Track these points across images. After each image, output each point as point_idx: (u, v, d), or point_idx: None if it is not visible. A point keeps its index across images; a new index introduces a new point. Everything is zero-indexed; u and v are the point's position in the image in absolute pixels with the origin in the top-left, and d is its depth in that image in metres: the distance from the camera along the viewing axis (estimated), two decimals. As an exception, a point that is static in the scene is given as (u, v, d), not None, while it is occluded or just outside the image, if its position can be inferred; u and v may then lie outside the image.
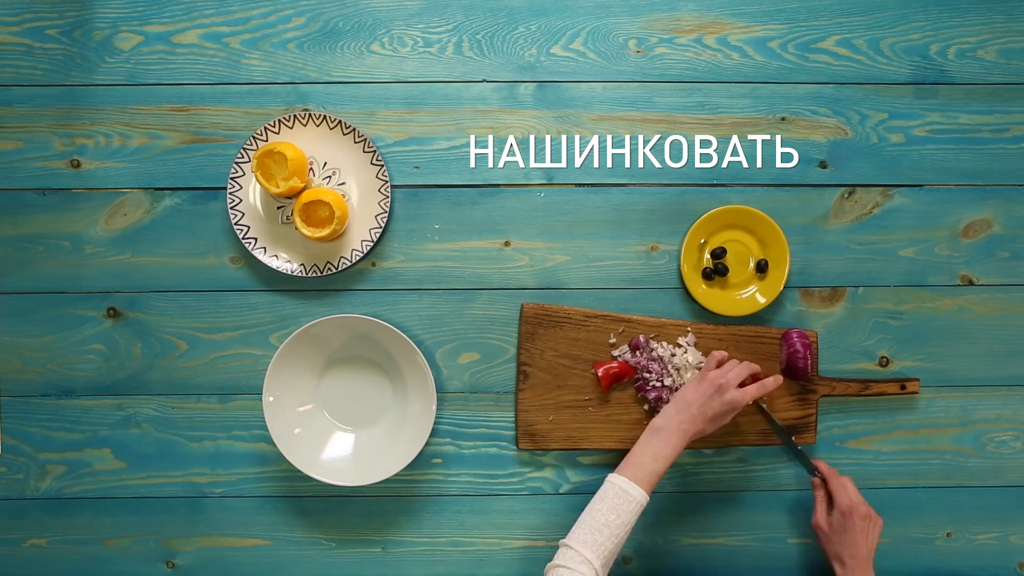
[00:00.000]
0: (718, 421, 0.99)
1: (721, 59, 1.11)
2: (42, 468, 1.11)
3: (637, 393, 1.09)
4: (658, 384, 1.08)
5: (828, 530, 1.02)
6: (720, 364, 1.04)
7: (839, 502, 1.01)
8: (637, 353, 1.09)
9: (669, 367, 1.08)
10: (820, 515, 1.04)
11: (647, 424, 1.01)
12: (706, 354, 1.09)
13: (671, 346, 1.09)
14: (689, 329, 1.10)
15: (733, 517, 1.13)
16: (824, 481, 1.05)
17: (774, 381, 1.01)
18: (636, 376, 1.09)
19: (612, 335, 1.10)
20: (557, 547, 0.94)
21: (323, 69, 1.10)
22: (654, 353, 1.09)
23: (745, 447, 1.12)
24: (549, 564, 0.92)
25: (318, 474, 1.06)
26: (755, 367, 1.03)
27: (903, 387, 1.11)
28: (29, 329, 1.10)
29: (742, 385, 1.02)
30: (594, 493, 1.11)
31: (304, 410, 1.10)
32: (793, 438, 1.10)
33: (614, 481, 0.95)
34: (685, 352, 1.09)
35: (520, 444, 1.10)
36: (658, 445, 0.97)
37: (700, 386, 1.00)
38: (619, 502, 0.94)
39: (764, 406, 1.09)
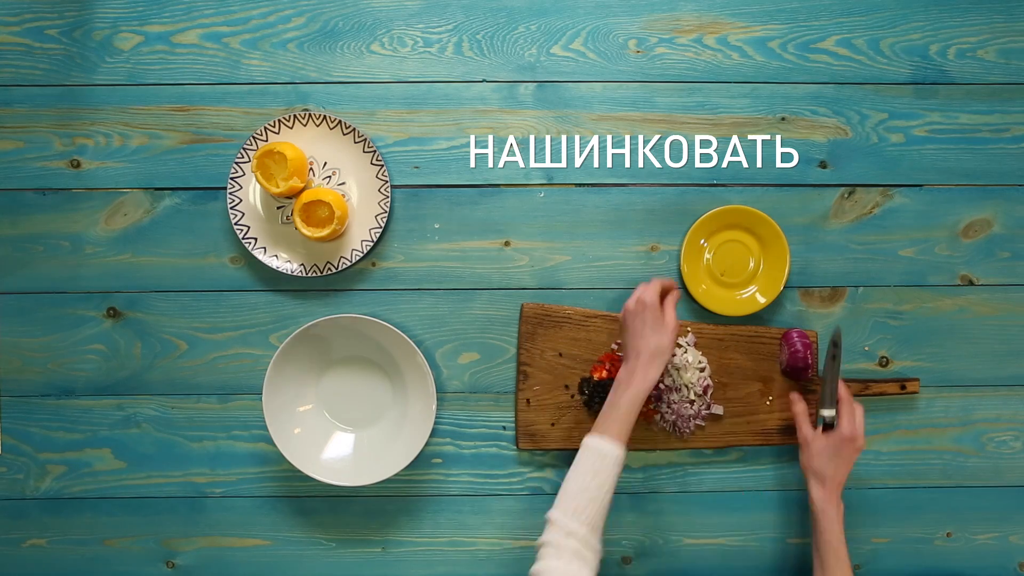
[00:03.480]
0: (660, 333, 0.98)
1: (721, 59, 1.11)
2: (42, 468, 1.11)
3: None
4: (659, 384, 1.08)
5: (817, 447, 1.02)
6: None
7: (843, 427, 1.01)
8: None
9: (669, 367, 1.08)
10: (807, 430, 1.04)
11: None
12: (706, 354, 1.10)
13: (671, 346, 1.10)
14: (689, 329, 1.10)
15: (733, 517, 1.13)
16: (836, 402, 1.03)
17: (672, 285, 1.03)
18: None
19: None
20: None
21: (323, 69, 1.10)
22: (654, 353, 1.09)
23: (745, 447, 1.12)
24: (539, 540, 0.92)
25: (318, 474, 1.06)
26: (665, 280, 1.03)
27: (903, 387, 1.11)
28: (29, 329, 1.10)
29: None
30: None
31: (304, 410, 1.10)
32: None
33: (587, 443, 0.95)
34: (685, 352, 1.09)
35: (520, 444, 1.10)
36: (623, 393, 0.96)
37: (627, 319, 1.00)
38: (594, 462, 0.94)
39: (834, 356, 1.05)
